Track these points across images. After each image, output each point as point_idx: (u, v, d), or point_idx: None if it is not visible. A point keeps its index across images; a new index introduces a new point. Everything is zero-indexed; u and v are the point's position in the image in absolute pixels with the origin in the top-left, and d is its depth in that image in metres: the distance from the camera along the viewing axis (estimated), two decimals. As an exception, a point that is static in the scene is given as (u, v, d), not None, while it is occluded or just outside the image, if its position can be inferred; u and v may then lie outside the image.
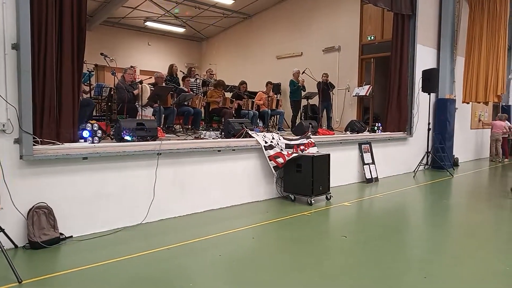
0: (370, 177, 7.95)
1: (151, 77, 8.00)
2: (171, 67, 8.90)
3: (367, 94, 9.87)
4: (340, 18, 11.48)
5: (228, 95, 9.78)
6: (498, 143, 11.96)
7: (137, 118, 6.40)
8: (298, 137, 6.83)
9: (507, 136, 12.29)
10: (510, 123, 12.66)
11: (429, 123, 9.19)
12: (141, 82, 6.76)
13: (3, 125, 3.70)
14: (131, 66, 7.57)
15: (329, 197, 6.15)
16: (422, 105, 9.27)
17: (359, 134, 8.41)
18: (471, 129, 12.19)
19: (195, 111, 7.98)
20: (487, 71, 10.05)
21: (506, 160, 12.13)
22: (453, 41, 10.21)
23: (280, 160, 6.00)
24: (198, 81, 9.41)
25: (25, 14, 3.76)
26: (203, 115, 8.68)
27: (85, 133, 4.46)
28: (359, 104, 11.01)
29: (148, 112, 6.95)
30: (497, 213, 5.78)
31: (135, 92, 6.65)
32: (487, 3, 10.03)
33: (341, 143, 7.57)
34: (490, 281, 3.27)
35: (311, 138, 6.87)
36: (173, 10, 12.88)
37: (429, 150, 9.37)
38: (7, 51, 3.72)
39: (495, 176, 9.61)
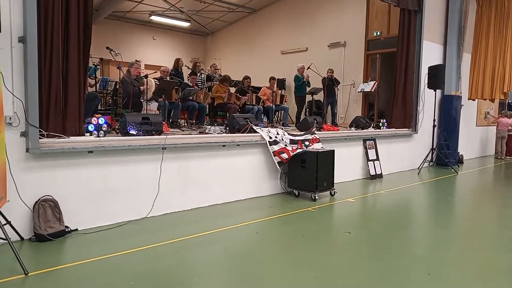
0: (374, 173, 7.93)
1: (156, 71, 7.99)
2: (177, 61, 8.87)
3: (372, 90, 9.83)
4: (346, 13, 11.40)
5: (232, 90, 9.77)
6: (503, 140, 11.90)
7: (142, 112, 6.41)
8: (303, 132, 6.83)
9: (512, 133, 12.20)
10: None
11: (434, 120, 9.14)
12: (146, 76, 6.76)
13: (10, 118, 3.72)
14: (136, 60, 7.57)
15: (333, 193, 6.15)
16: (428, 101, 9.22)
17: (364, 130, 8.38)
18: (476, 126, 12.11)
19: (199, 106, 7.97)
20: (493, 68, 9.95)
21: (509, 157, 12.04)
22: (460, 37, 10.11)
23: (285, 155, 6.00)
24: (202, 76, 9.40)
25: (32, 8, 3.77)
26: (207, 110, 8.68)
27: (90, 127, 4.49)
28: (364, 100, 10.96)
29: (153, 107, 6.96)
30: (502, 211, 5.76)
31: (141, 88, 6.66)
32: (495, -1, 9.93)
33: (345, 139, 7.55)
34: (495, 279, 3.26)
35: (315, 134, 6.85)
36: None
37: (434, 147, 9.32)
38: (14, 45, 3.73)
39: (500, 173, 9.55)
